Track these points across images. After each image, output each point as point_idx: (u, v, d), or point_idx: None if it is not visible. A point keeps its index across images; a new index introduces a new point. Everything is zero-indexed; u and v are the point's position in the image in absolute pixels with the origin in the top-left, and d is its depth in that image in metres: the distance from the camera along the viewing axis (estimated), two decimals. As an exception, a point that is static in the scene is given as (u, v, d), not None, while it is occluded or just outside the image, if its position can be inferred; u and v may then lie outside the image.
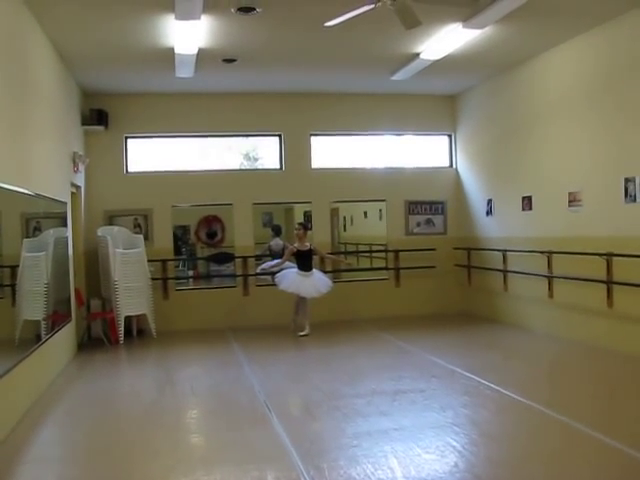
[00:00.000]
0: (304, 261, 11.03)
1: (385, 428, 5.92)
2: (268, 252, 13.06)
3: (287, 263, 11.26)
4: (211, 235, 15.63)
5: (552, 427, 5.89)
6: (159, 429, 6.30)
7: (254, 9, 7.88)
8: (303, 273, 10.97)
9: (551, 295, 10.31)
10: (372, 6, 6.72)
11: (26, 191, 7.24)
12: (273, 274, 11.32)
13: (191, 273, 15.06)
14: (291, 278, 10.96)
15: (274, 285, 11.16)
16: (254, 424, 6.30)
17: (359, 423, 6.13)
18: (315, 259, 11.58)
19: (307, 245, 11.12)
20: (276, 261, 11.74)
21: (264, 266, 11.99)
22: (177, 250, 14.58)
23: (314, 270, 11.16)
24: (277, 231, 13.63)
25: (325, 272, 12.54)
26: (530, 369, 8.43)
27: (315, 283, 11.04)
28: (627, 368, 8.14)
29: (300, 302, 11.09)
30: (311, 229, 12.75)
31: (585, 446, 5.40)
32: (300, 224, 11.49)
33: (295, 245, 11.13)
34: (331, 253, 12.71)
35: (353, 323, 12.16)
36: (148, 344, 10.98)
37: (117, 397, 7.76)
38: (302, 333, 10.93)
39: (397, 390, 7.29)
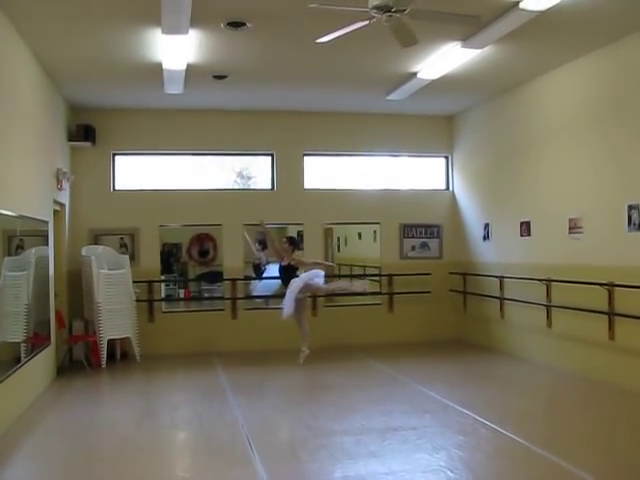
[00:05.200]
0: (289, 276, 10.40)
1: (374, 472, 5.54)
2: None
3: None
4: (203, 253, 15.32)
5: (551, 474, 5.50)
6: (133, 468, 5.89)
7: (244, 24, 7.60)
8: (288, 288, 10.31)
9: (550, 325, 9.95)
10: (366, 23, 6.40)
11: (3, 211, 6.95)
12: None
13: (182, 292, 14.73)
14: (287, 299, 10.18)
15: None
16: (234, 464, 5.90)
17: (346, 466, 5.74)
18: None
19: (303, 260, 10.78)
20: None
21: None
22: (168, 268, 14.27)
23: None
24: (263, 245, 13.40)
25: (317, 296, 12.21)
26: (528, 405, 8.04)
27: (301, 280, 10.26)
28: (629, 405, 7.77)
29: (299, 318, 10.46)
30: (302, 249, 12.46)
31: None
32: (287, 238, 10.95)
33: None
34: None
35: (344, 350, 11.76)
36: (131, 369, 10.59)
37: (92, 429, 7.30)
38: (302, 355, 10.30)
39: (388, 427, 6.90)
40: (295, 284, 10.13)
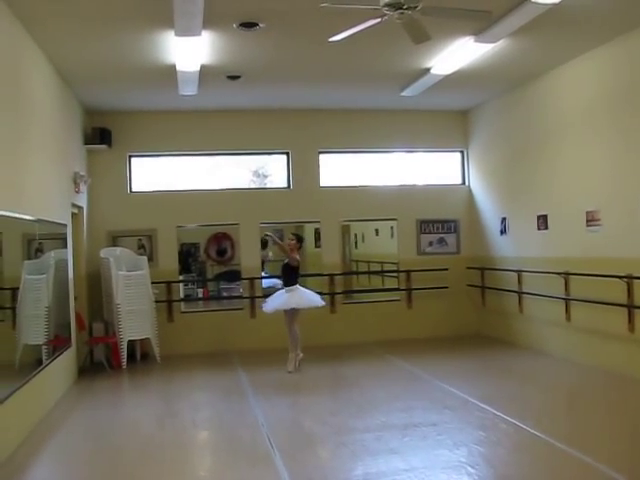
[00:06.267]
0: (289, 275, 10.00)
1: (394, 469, 5.56)
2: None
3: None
4: (221, 252, 15.40)
5: (572, 468, 5.50)
6: (155, 468, 5.96)
7: (257, 24, 7.62)
8: (288, 288, 9.91)
9: (569, 318, 9.91)
10: (378, 20, 6.40)
11: (22, 216, 7.01)
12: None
13: (200, 292, 14.79)
14: (276, 298, 10.08)
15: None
16: (255, 463, 5.94)
17: (367, 462, 5.77)
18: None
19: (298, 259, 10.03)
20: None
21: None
22: (187, 268, 14.35)
23: (298, 286, 9.99)
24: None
25: (335, 293, 12.29)
26: (548, 399, 8.02)
27: (303, 296, 9.93)
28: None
29: (290, 325, 9.97)
30: (320, 246, 12.53)
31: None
32: (294, 235, 10.45)
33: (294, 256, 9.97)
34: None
35: (363, 346, 11.78)
36: (151, 369, 10.66)
37: (115, 430, 7.39)
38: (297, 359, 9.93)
39: (408, 424, 6.91)
40: (296, 301, 9.81)
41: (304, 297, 9.94)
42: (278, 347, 11.32)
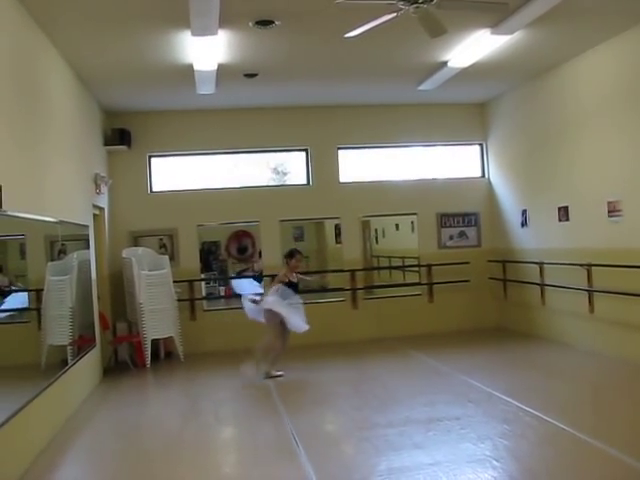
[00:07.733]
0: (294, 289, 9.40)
1: (419, 463, 5.55)
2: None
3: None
4: (242, 250, 15.44)
5: (598, 461, 5.47)
6: (181, 465, 6.00)
7: (272, 22, 7.63)
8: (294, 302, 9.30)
9: (592, 310, 9.84)
10: (394, 15, 6.39)
11: (44, 218, 7.07)
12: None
13: (222, 290, 14.83)
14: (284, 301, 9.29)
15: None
16: (280, 458, 5.99)
17: (391, 457, 5.77)
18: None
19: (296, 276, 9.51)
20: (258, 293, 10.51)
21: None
22: (208, 266, 14.41)
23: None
24: None
25: (357, 289, 12.30)
26: (572, 391, 7.97)
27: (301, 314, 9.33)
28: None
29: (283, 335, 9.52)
30: (340, 242, 12.54)
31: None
32: (294, 252, 9.69)
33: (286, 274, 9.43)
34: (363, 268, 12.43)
35: (385, 341, 11.78)
36: (175, 368, 10.73)
37: (140, 428, 7.47)
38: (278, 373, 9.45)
39: (431, 418, 6.90)
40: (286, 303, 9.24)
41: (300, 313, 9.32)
42: (300, 343, 11.32)
